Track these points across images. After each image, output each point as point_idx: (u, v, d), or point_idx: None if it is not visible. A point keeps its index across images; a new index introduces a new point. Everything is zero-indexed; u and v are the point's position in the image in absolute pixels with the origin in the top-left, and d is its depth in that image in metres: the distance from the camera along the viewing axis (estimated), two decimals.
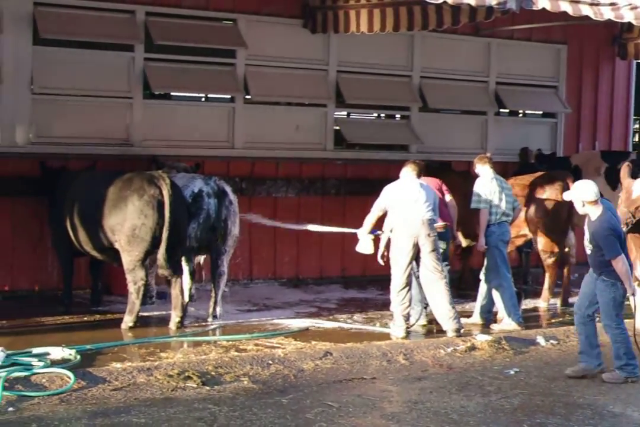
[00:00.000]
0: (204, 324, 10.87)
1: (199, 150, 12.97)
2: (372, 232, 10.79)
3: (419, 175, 10.66)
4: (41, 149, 12.07)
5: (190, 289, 11.42)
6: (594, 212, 8.96)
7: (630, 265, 9.11)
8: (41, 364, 8.55)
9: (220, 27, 13.39)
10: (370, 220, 10.75)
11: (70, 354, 8.94)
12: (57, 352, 8.97)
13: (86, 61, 12.50)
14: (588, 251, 9.13)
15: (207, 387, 8.41)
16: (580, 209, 9.06)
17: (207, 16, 13.23)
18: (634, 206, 10.28)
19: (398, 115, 15.88)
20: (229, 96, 14.16)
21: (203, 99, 16.13)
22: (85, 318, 11.00)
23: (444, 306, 10.49)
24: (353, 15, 12.69)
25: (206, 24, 13.22)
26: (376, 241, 10.78)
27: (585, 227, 9.14)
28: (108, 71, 12.58)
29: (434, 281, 10.48)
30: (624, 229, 9.72)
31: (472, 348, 10.02)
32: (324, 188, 14.02)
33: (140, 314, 10.56)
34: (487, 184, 11.16)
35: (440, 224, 10.73)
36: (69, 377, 8.25)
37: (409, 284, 10.50)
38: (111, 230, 10.49)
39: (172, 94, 14.60)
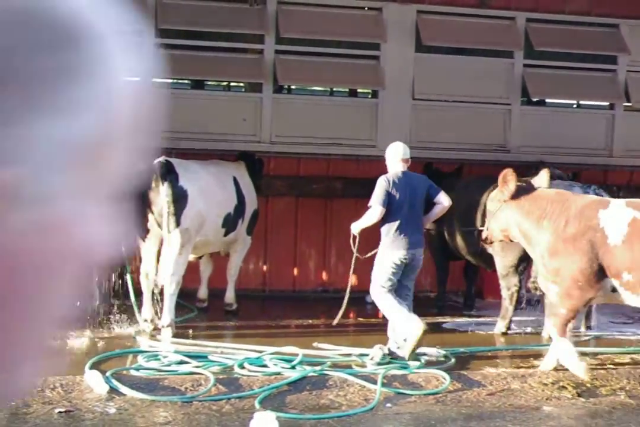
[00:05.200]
0: (576, 334, 10.65)
1: (575, 157, 12.77)
2: None
3: None
4: (420, 154, 12.31)
5: None
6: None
7: None
8: (417, 363, 8.74)
9: (601, 33, 13.12)
10: None
11: (445, 356, 9.08)
12: (433, 353, 9.14)
13: (465, 68, 12.68)
14: None
15: (582, 399, 8.25)
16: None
17: (589, 22, 13.01)
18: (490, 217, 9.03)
19: None
20: (606, 103, 13.85)
21: (575, 106, 15.88)
22: (458, 321, 11.14)
23: None
24: None
25: (587, 30, 13.01)
26: None
27: None
28: (486, 78, 12.70)
29: None
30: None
31: None
32: None
33: (513, 319, 10.54)
34: None
35: None
36: (444, 379, 8.35)
37: None
38: None
39: (546, 100, 14.47)
